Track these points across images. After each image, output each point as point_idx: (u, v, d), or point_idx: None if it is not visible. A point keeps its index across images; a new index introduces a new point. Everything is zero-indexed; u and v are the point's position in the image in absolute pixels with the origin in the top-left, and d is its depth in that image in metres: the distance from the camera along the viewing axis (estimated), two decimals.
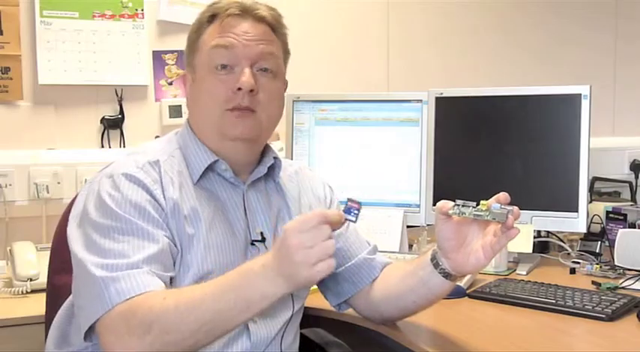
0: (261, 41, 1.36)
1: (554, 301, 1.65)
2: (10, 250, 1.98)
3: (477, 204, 1.25)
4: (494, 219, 1.24)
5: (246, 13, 1.36)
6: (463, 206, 1.26)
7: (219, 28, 1.36)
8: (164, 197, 1.29)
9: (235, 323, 1.16)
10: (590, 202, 2.37)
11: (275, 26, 1.40)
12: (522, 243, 2.04)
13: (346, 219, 1.17)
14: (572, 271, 2.02)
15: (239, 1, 1.38)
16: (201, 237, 1.31)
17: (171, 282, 1.26)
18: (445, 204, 1.28)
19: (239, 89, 1.33)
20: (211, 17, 1.37)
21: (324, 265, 1.11)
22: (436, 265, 1.34)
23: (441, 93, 2.20)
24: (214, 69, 1.35)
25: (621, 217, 2.22)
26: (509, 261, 2.07)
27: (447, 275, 1.34)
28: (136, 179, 1.28)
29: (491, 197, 1.25)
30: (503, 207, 1.23)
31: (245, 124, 1.34)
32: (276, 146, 2.17)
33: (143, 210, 1.25)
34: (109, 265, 1.19)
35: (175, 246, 1.28)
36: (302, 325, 1.52)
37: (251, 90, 1.33)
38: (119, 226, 1.23)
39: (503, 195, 1.24)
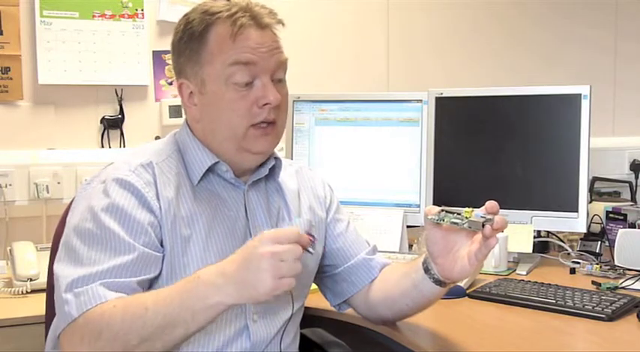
0: (274, 51, 1.35)
1: (554, 301, 1.66)
2: (10, 250, 1.98)
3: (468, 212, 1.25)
4: (470, 227, 1.24)
5: (253, 19, 1.33)
6: (446, 213, 1.26)
7: (231, 41, 1.31)
8: (158, 198, 1.29)
9: (185, 332, 1.15)
10: (590, 202, 2.37)
11: (275, 28, 1.38)
12: (522, 243, 2.05)
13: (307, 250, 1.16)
14: (572, 271, 2.02)
15: (241, 7, 1.34)
16: (200, 238, 1.31)
17: (151, 285, 1.27)
18: (430, 210, 1.28)
19: (265, 104, 1.32)
20: (210, 25, 1.33)
21: (287, 281, 1.10)
22: (426, 270, 1.35)
23: (441, 93, 2.20)
24: (233, 85, 1.32)
25: (621, 217, 2.22)
26: (509, 261, 2.07)
27: (436, 281, 1.34)
28: (127, 183, 1.29)
29: (488, 198, 1.25)
30: (483, 215, 1.23)
31: (269, 140, 1.35)
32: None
33: (127, 217, 1.26)
34: (78, 279, 1.20)
35: (162, 245, 1.28)
36: (302, 325, 1.52)
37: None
38: (98, 233, 1.24)
39: (490, 204, 1.24)
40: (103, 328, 1.14)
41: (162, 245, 1.29)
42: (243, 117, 1.32)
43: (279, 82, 1.36)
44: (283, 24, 1.39)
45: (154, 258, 1.26)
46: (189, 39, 1.35)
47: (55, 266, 1.27)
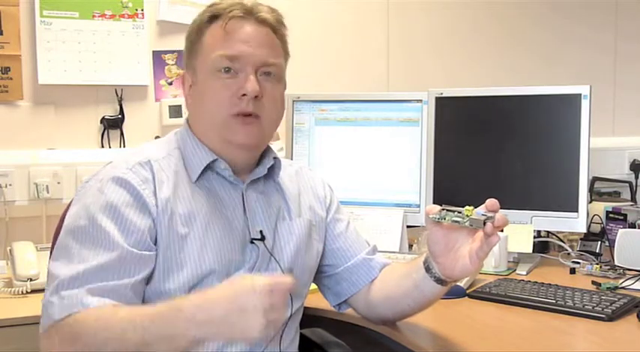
0: (264, 46, 1.35)
1: (554, 301, 1.66)
2: (10, 250, 1.98)
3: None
4: (471, 225, 1.24)
5: (248, 14, 1.35)
6: (447, 211, 1.26)
7: (223, 33, 1.34)
8: (155, 195, 1.30)
9: None
10: (590, 202, 2.37)
11: (276, 28, 1.39)
12: (522, 243, 2.05)
13: None
14: (572, 271, 2.02)
15: (241, 2, 1.37)
16: (197, 236, 1.31)
17: (151, 284, 1.28)
18: (431, 209, 1.28)
19: (244, 95, 1.33)
20: (212, 18, 1.36)
21: (272, 327, 1.07)
22: (428, 269, 1.35)
23: (441, 93, 2.20)
24: (217, 72, 1.34)
25: (621, 217, 2.22)
26: (509, 261, 2.07)
27: (438, 280, 1.34)
28: (123, 181, 1.29)
29: (488, 198, 1.25)
30: (484, 213, 1.23)
31: (247, 131, 1.34)
32: (276, 146, 2.17)
33: (120, 215, 1.26)
34: (65, 281, 1.20)
35: (157, 243, 1.28)
36: (302, 325, 1.52)
37: (255, 96, 1.33)
38: (91, 231, 1.25)
39: (490, 202, 1.24)
40: (79, 337, 1.15)
41: (157, 242, 1.29)
42: (221, 106, 1.33)
43: (267, 77, 1.36)
44: (282, 23, 1.40)
45: (144, 257, 1.26)
46: (191, 31, 1.39)
47: (49, 265, 1.28)
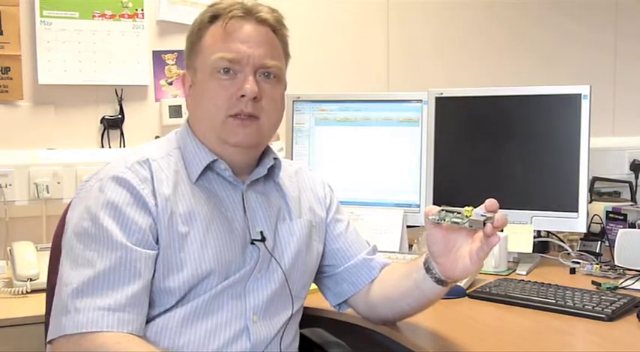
0: (263, 46, 1.35)
1: (554, 301, 1.66)
2: (10, 250, 1.98)
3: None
4: (470, 226, 1.24)
5: (248, 14, 1.35)
6: (446, 212, 1.26)
7: (222, 32, 1.34)
8: (154, 195, 1.30)
9: None
10: (590, 202, 2.38)
11: (277, 28, 1.39)
12: (522, 243, 2.05)
13: None
14: (572, 271, 2.02)
15: (241, 2, 1.37)
16: (198, 236, 1.31)
17: (152, 282, 1.28)
18: (430, 210, 1.29)
19: (242, 96, 1.33)
20: (212, 18, 1.36)
21: None
22: (428, 269, 1.35)
23: (441, 93, 2.20)
24: (217, 73, 1.34)
25: (621, 217, 2.22)
26: (509, 261, 2.07)
27: (438, 281, 1.34)
28: (122, 180, 1.29)
29: (488, 197, 1.25)
30: (484, 214, 1.22)
31: (246, 132, 1.34)
32: (276, 146, 2.17)
33: (122, 214, 1.26)
34: (79, 289, 1.21)
35: (158, 242, 1.28)
36: (302, 325, 1.52)
37: (254, 98, 1.33)
38: (94, 231, 1.26)
39: (489, 202, 1.24)
40: None
41: (158, 242, 1.29)
42: (220, 107, 1.33)
43: (266, 78, 1.36)
44: (283, 23, 1.40)
45: (147, 255, 1.27)
46: (192, 31, 1.40)
47: (60, 267, 1.28)
